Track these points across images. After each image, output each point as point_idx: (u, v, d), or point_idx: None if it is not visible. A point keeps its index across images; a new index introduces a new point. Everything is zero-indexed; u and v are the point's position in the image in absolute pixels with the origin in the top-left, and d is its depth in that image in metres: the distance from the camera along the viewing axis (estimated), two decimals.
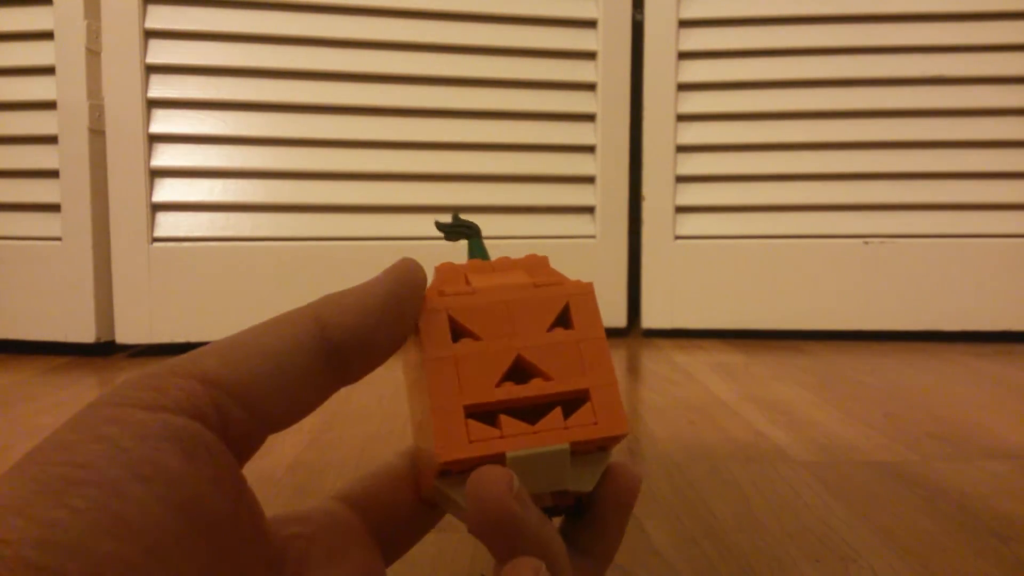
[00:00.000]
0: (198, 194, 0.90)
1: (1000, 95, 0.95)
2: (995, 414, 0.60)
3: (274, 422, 0.19)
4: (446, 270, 0.23)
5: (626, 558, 0.34)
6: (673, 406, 0.63)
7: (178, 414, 0.16)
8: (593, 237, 0.98)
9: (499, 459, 0.20)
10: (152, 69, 0.88)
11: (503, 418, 0.20)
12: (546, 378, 0.21)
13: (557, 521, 0.23)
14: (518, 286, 0.22)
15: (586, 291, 0.22)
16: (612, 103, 0.97)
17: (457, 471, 0.20)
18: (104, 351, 0.89)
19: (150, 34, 0.87)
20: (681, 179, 0.99)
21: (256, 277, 0.90)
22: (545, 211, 0.97)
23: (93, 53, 0.86)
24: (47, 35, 0.86)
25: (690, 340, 0.97)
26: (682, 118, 0.98)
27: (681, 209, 0.99)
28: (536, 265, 0.23)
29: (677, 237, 0.99)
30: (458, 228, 0.25)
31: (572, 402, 0.21)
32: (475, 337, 0.21)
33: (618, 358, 0.86)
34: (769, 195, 0.98)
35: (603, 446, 0.22)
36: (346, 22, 0.91)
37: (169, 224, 0.89)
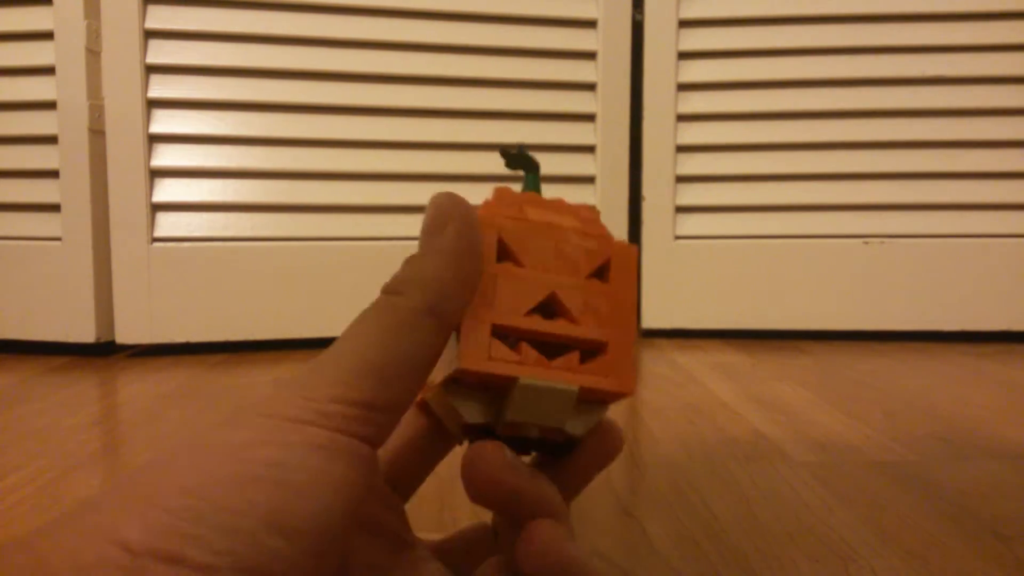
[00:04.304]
0: (198, 194, 0.89)
1: (1000, 95, 0.95)
2: (995, 414, 0.60)
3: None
4: (504, 194, 0.24)
5: (626, 558, 0.34)
6: (673, 406, 0.63)
7: (343, 434, 0.17)
8: None
9: (511, 381, 0.21)
10: (152, 69, 0.88)
11: (524, 345, 0.21)
12: (572, 321, 0.22)
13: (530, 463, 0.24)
14: (569, 228, 0.23)
15: (630, 252, 0.23)
16: (612, 103, 0.97)
17: (465, 382, 0.21)
18: (104, 351, 0.89)
19: (150, 34, 0.87)
20: (681, 179, 0.99)
21: (256, 277, 0.90)
22: None
23: (93, 53, 0.86)
24: (47, 35, 0.86)
25: (690, 340, 0.97)
26: (682, 118, 0.98)
27: (681, 209, 0.99)
28: (588, 216, 0.24)
29: (677, 237, 0.99)
30: (521, 159, 0.25)
31: (589, 351, 0.22)
32: (518, 263, 0.22)
33: None
34: (769, 195, 0.98)
35: (604, 400, 0.22)
36: (346, 22, 0.91)
37: (169, 224, 0.89)
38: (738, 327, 0.99)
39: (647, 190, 0.99)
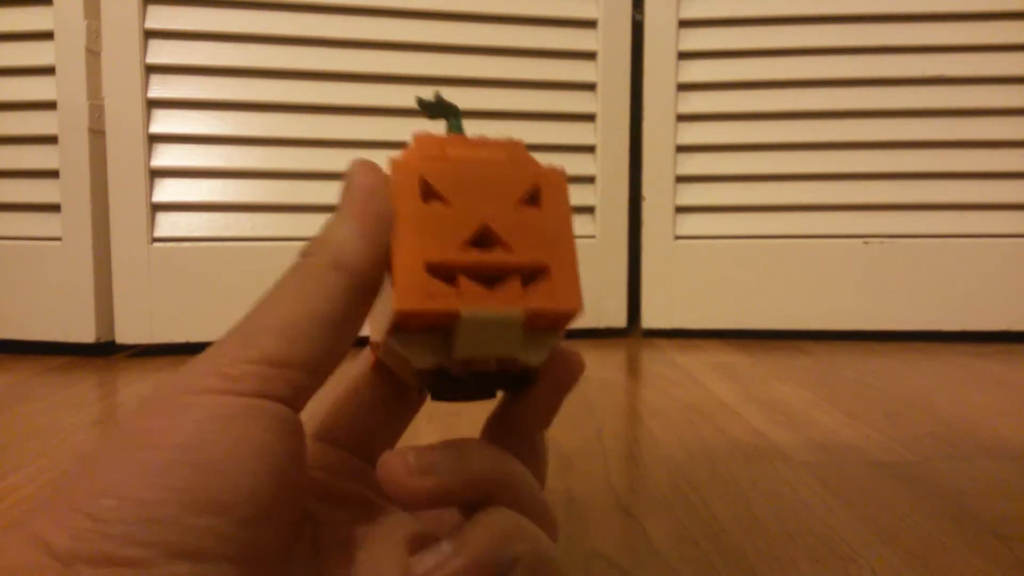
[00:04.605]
0: (198, 194, 0.90)
1: (1000, 95, 0.95)
2: (995, 414, 0.60)
3: (328, 375, 0.20)
4: (424, 138, 0.23)
5: (626, 558, 0.34)
6: (673, 406, 0.63)
7: (257, 397, 0.17)
8: (593, 237, 0.97)
9: (453, 316, 0.20)
10: (152, 69, 0.88)
11: (462, 279, 0.21)
12: (509, 249, 0.21)
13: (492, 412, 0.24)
14: (493, 160, 0.23)
15: (558, 175, 0.23)
16: (612, 103, 0.97)
17: (410, 328, 0.21)
18: (104, 351, 0.89)
19: (150, 34, 0.87)
20: (681, 179, 0.99)
21: (256, 277, 0.90)
22: None
23: (93, 53, 0.86)
24: (47, 35, 0.86)
25: (690, 340, 0.97)
26: (682, 118, 0.98)
27: (681, 209, 0.99)
28: (513, 147, 0.24)
29: (677, 237, 0.99)
30: (439, 107, 0.25)
31: (531, 276, 0.22)
32: (445, 201, 0.21)
33: (618, 358, 0.86)
34: (769, 195, 0.98)
35: (555, 325, 0.22)
36: (346, 22, 0.91)
37: (169, 224, 0.89)
38: (738, 327, 0.99)
39: (647, 190, 0.99)
